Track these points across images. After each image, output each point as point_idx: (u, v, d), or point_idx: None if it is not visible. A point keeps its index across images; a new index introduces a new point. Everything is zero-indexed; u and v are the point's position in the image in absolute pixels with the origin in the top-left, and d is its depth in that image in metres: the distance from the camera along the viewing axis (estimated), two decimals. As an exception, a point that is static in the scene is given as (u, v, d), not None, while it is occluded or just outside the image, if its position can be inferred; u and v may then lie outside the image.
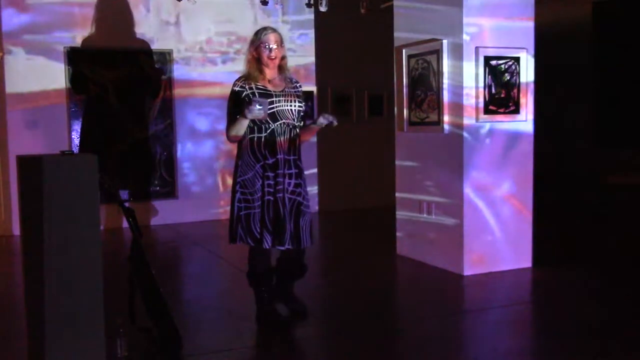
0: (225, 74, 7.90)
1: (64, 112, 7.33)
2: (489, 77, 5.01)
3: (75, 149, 7.30)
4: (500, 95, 5.07)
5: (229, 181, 8.12)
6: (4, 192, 7.25)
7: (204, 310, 4.35)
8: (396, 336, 3.88)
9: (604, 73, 8.86)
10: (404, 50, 5.58)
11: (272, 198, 3.74)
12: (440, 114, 5.16)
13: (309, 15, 8.36)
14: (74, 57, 7.30)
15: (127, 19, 7.59)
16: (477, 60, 4.96)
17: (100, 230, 2.92)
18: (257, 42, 3.79)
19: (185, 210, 7.93)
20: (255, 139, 3.75)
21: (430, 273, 5.22)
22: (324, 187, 8.58)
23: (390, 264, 5.65)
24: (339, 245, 6.71)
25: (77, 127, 7.39)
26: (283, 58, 3.87)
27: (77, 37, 7.35)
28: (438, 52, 5.13)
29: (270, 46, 3.75)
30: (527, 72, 5.15)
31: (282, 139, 3.76)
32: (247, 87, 3.78)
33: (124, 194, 7.57)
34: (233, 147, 7.83)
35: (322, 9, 6.76)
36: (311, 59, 8.46)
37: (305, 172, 3.98)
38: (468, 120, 4.99)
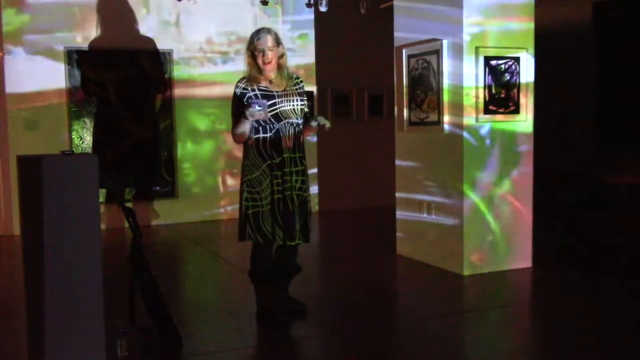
0: (225, 74, 7.91)
1: (64, 112, 7.33)
2: (489, 77, 5.01)
3: (77, 149, 7.31)
4: (500, 95, 5.07)
5: (229, 181, 8.14)
6: (4, 192, 7.25)
7: (204, 310, 4.35)
8: (396, 336, 3.88)
9: (604, 73, 8.86)
10: (404, 50, 5.59)
11: (281, 196, 3.79)
12: (440, 114, 5.16)
13: (309, 15, 8.36)
14: (81, 60, 7.31)
15: (127, 19, 7.60)
16: (477, 60, 4.96)
17: (100, 230, 2.92)
18: (251, 47, 3.82)
19: (185, 210, 7.93)
20: (261, 139, 3.79)
21: (430, 273, 5.22)
22: (324, 187, 8.58)
23: (390, 264, 5.65)
24: (339, 245, 6.71)
25: (77, 127, 7.40)
26: (282, 56, 3.88)
27: (77, 37, 7.36)
28: (438, 52, 5.13)
29: (265, 51, 3.77)
30: (527, 72, 5.15)
31: (287, 138, 3.81)
32: (249, 88, 3.82)
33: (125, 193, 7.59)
34: (233, 147, 7.93)
35: (322, 9, 6.76)
36: (311, 59, 8.47)
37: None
38: (468, 120, 4.99)
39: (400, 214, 5.83)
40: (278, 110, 3.78)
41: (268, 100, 3.74)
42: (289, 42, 8.07)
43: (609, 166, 8.78)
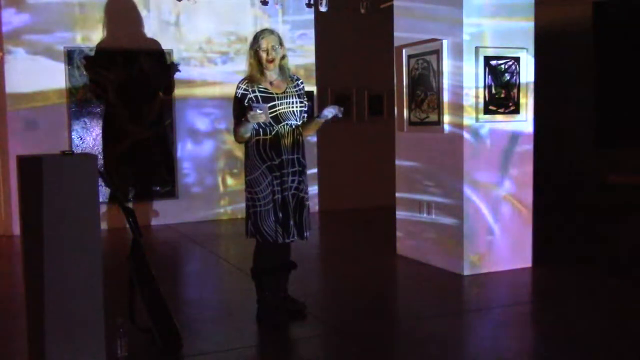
0: (225, 74, 7.91)
1: (64, 112, 7.33)
2: (489, 77, 5.01)
3: (76, 149, 7.31)
4: (500, 95, 5.07)
5: (229, 181, 8.14)
6: (4, 192, 7.25)
7: (204, 310, 4.35)
8: (396, 336, 3.88)
9: (604, 73, 8.85)
10: (404, 50, 5.59)
11: (280, 196, 3.83)
12: (440, 114, 5.16)
13: (309, 15, 8.36)
14: (86, 61, 7.33)
15: (127, 19, 7.60)
16: (477, 60, 4.96)
17: (100, 230, 2.92)
18: (255, 46, 3.87)
19: (185, 210, 7.93)
20: (261, 140, 3.84)
21: (430, 273, 5.22)
22: (324, 187, 8.58)
23: (390, 264, 5.65)
24: (339, 246, 6.71)
25: (77, 127, 7.40)
26: (283, 58, 3.93)
27: (77, 37, 7.36)
28: (438, 52, 5.13)
29: (268, 49, 3.83)
30: (527, 72, 5.15)
31: (286, 140, 3.85)
32: (250, 89, 3.85)
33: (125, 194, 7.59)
34: (233, 147, 7.93)
35: (322, 9, 6.75)
36: (311, 59, 8.47)
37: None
38: (468, 120, 4.99)
39: (400, 214, 5.83)
40: (277, 112, 3.82)
41: (268, 103, 3.78)
42: (289, 42, 8.07)
43: (609, 166, 8.78)
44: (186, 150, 7.98)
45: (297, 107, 3.89)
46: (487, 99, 5.01)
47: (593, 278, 5.05)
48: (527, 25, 5.16)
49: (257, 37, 3.87)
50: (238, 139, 3.92)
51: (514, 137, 5.16)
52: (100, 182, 3.79)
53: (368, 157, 8.82)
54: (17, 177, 3.03)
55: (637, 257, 5.73)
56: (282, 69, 3.93)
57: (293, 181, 3.88)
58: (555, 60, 8.49)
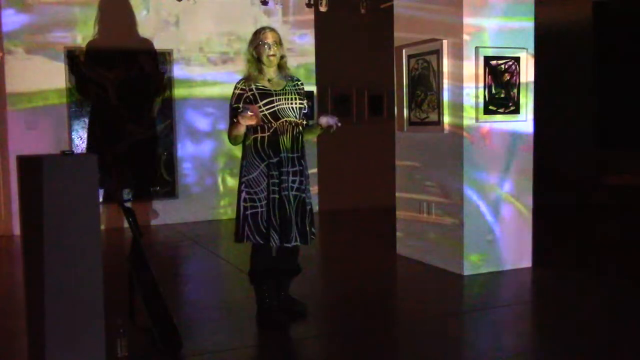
0: (225, 74, 7.91)
1: (64, 112, 7.33)
2: (489, 77, 5.01)
3: (77, 150, 7.30)
4: (500, 95, 5.07)
5: (229, 181, 8.14)
6: (4, 192, 7.25)
7: (204, 310, 4.35)
8: (396, 336, 3.88)
9: (604, 73, 8.86)
10: (404, 50, 5.58)
11: (277, 196, 3.76)
12: (440, 114, 5.16)
13: (309, 15, 8.36)
14: (76, 60, 7.31)
15: (127, 19, 7.60)
16: (477, 60, 4.96)
17: (100, 230, 2.92)
18: (255, 41, 3.83)
19: (185, 210, 7.93)
20: (259, 138, 3.78)
21: (430, 273, 5.22)
22: (324, 187, 8.57)
23: (390, 264, 5.65)
24: (339, 245, 6.71)
25: (77, 127, 7.40)
26: (282, 57, 3.89)
27: (77, 37, 7.36)
28: (438, 52, 5.13)
29: (269, 44, 3.78)
30: (527, 72, 5.15)
31: (285, 137, 3.78)
32: (247, 89, 3.81)
33: (124, 194, 7.58)
34: (233, 147, 7.89)
35: (322, 9, 6.76)
36: (311, 59, 8.46)
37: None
38: (468, 120, 4.99)
39: (400, 214, 5.83)
40: (276, 109, 3.76)
41: (266, 98, 3.74)
42: (289, 42, 8.07)
43: (609, 166, 8.78)
44: (186, 150, 7.98)
45: (296, 104, 3.83)
46: (487, 99, 5.01)
47: (593, 278, 5.05)
48: (527, 25, 5.16)
49: (258, 33, 3.83)
50: (232, 140, 3.86)
51: (514, 137, 5.16)
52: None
53: (368, 157, 8.82)
54: (17, 177, 3.03)
55: (637, 257, 5.73)
56: (281, 69, 3.90)
57: (294, 181, 3.80)
58: (555, 60, 8.50)
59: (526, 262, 5.26)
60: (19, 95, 7.15)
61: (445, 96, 5.11)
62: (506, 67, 5.07)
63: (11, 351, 3.61)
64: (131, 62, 7.58)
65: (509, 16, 5.08)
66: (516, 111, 5.14)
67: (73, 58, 7.31)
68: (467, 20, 4.93)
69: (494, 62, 5.02)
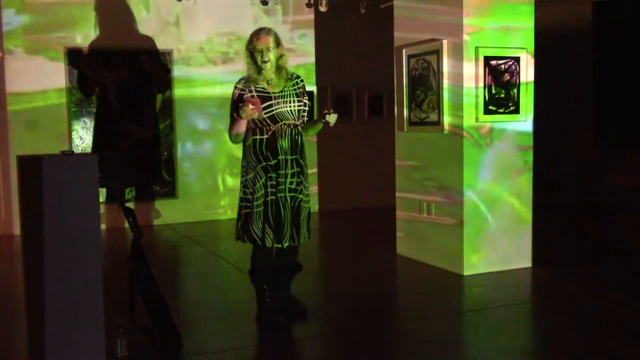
0: (225, 74, 7.91)
1: (64, 112, 7.33)
2: (489, 77, 5.01)
3: (77, 149, 7.31)
4: (500, 95, 5.07)
5: (229, 181, 8.14)
6: (4, 192, 7.25)
7: (204, 310, 4.35)
8: (396, 336, 3.88)
9: (604, 73, 8.85)
10: (404, 50, 5.58)
11: (274, 198, 3.78)
12: (440, 114, 5.16)
13: (309, 15, 8.36)
14: (77, 59, 7.32)
15: (127, 19, 7.60)
16: (477, 60, 4.96)
17: (100, 230, 2.92)
18: (250, 46, 3.83)
19: (185, 210, 7.93)
20: (258, 140, 3.80)
21: (430, 273, 5.22)
22: (324, 187, 8.57)
23: (390, 264, 5.65)
24: (339, 245, 6.71)
25: (77, 127, 7.40)
26: (281, 57, 3.88)
27: (77, 37, 7.36)
28: (438, 52, 5.13)
29: (262, 50, 3.78)
30: (527, 72, 5.15)
31: (283, 140, 3.80)
32: (246, 89, 3.83)
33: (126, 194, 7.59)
34: (233, 147, 7.90)
35: (322, 9, 6.76)
36: (311, 59, 8.46)
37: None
38: (468, 120, 4.99)
39: (400, 214, 5.83)
40: (274, 112, 3.78)
41: (265, 102, 3.74)
42: (289, 42, 8.07)
43: (609, 166, 8.78)
44: (186, 150, 7.97)
45: (295, 106, 3.84)
46: (487, 99, 5.01)
47: (593, 278, 5.05)
48: (527, 25, 5.16)
49: (252, 38, 3.83)
50: (232, 138, 3.88)
51: (514, 137, 5.16)
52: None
53: (368, 157, 8.82)
54: (17, 177, 3.03)
55: (637, 257, 5.72)
56: (280, 69, 3.89)
57: (291, 183, 3.82)
58: (555, 60, 8.50)
59: (526, 262, 5.25)
60: (19, 95, 7.15)
61: (445, 96, 5.10)
62: (506, 67, 5.07)
63: (11, 351, 3.61)
64: (132, 61, 7.57)
65: (509, 16, 5.08)
66: (516, 111, 5.14)
67: (76, 57, 7.31)
68: (467, 20, 4.93)
69: (494, 62, 5.02)
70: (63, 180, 2.76)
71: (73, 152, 3.03)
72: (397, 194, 5.87)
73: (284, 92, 3.85)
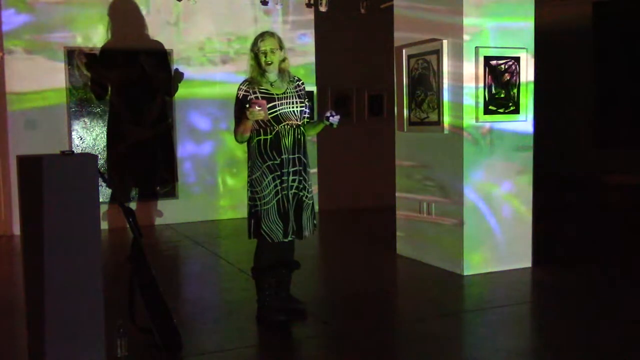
0: (225, 74, 7.91)
1: (64, 112, 7.33)
2: (489, 77, 5.01)
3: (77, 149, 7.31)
4: (500, 95, 5.07)
5: (229, 181, 8.14)
6: (4, 192, 7.25)
7: (204, 310, 4.35)
8: (396, 336, 3.88)
9: (604, 73, 8.86)
10: (404, 50, 5.58)
11: (280, 196, 3.88)
12: (440, 114, 5.16)
13: (309, 15, 8.36)
14: (91, 61, 7.34)
15: (127, 19, 7.60)
16: (477, 60, 4.96)
17: (100, 230, 2.92)
18: (254, 49, 3.93)
19: (185, 210, 7.93)
20: (262, 140, 3.89)
21: (430, 273, 5.22)
22: (324, 187, 8.57)
23: (390, 264, 5.65)
24: (339, 245, 6.71)
25: (77, 127, 7.40)
26: (283, 60, 3.98)
27: (77, 37, 7.36)
28: (438, 52, 5.13)
29: (266, 52, 3.88)
30: (527, 72, 5.15)
31: (286, 140, 3.89)
32: (250, 91, 3.91)
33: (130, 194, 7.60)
34: (233, 147, 7.91)
35: (322, 9, 6.76)
36: (311, 59, 8.46)
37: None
38: (468, 120, 4.99)
39: (400, 214, 5.83)
40: (278, 113, 3.86)
41: (268, 103, 3.83)
42: (289, 42, 8.07)
43: (609, 166, 8.79)
44: (186, 150, 7.97)
45: (297, 107, 3.93)
46: (487, 99, 5.01)
47: (593, 278, 5.05)
48: (527, 25, 5.16)
49: (257, 40, 3.94)
50: (238, 138, 3.97)
51: (514, 137, 5.16)
52: (101, 182, 3.78)
53: (368, 157, 8.82)
54: (17, 177, 3.03)
55: (637, 257, 5.73)
56: (282, 72, 3.98)
57: (294, 180, 3.91)
58: (555, 60, 8.50)
59: (526, 262, 5.26)
60: (19, 95, 7.15)
61: (445, 96, 5.11)
62: (506, 67, 5.07)
63: (11, 351, 3.62)
64: (132, 62, 7.58)
65: (509, 16, 5.08)
66: (516, 111, 5.14)
67: (89, 59, 7.32)
68: (467, 20, 4.93)
69: (494, 62, 5.02)
70: (63, 180, 2.76)
71: (73, 152, 3.03)
72: (397, 194, 5.87)
73: (287, 93, 3.94)
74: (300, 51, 8.34)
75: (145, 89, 7.67)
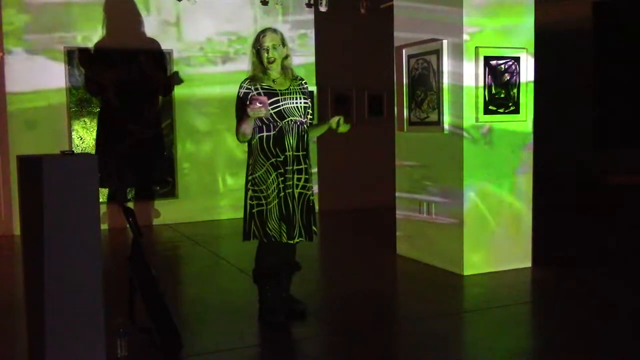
0: (225, 74, 7.91)
1: (64, 112, 7.33)
2: (489, 77, 5.01)
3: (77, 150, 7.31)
4: (500, 95, 5.07)
5: (229, 181, 8.14)
6: (4, 192, 7.25)
7: (204, 310, 4.35)
8: (396, 336, 3.88)
9: (604, 73, 8.87)
10: (404, 50, 5.58)
11: (282, 194, 3.80)
12: (440, 114, 5.16)
13: (309, 15, 8.36)
14: (83, 59, 7.33)
15: (127, 19, 7.60)
16: (477, 60, 4.96)
17: (100, 230, 2.92)
18: (257, 45, 3.87)
19: (185, 210, 7.93)
20: (265, 137, 3.81)
21: (430, 273, 5.22)
22: (324, 187, 8.57)
23: (390, 264, 5.65)
24: (339, 245, 6.71)
25: (77, 127, 7.40)
26: (286, 57, 3.94)
27: (78, 37, 7.36)
28: (438, 52, 5.13)
29: (269, 48, 3.82)
30: (527, 72, 5.15)
31: (290, 136, 3.82)
32: (252, 88, 3.84)
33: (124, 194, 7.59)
34: (233, 147, 7.91)
35: (322, 9, 6.76)
36: (311, 59, 8.46)
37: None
38: (468, 120, 4.99)
39: (400, 214, 5.83)
40: (281, 108, 3.80)
41: (271, 98, 3.77)
42: (289, 42, 8.05)
43: (608, 166, 8.79)
44: (186, 150, 7.97)
45: (301, 103, 3.87)
46: (487, 99, 5.01)
47: (593, 278, 5.05)
48: (527, 25, 5.16)
49: (259, 36, 3.88)
50: (240, 138, 3.88)
51: (514, 137, 5.16)
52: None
53: (368, 157, 8.81)
54: (17, 177, 3.03)
55: (636, 257, 5.73)
56: (285, 69, 3.93)
57: (299, 179, 3.84)
58: (555, 60, 8.50)
59: (526, 262, 5.26)
60: (19, 95, 7.15)
61: (445, 96, 5.11)
62: (506, 67, 5.07)
63: (11, 351, 3.61)
64: (131, 62, 7.58)
65: (509, 16, 5.08)
66: (516, 111, 5.14)
67: (81, 57, 7.31)
68: (467, 20, 4.93)
69: (494, 62, 5.02)
70: (63, 180, 2.76)
71: (73, 152, 3.03)
72: (397, 194, 5.87)
73: (290, 89, 3.88)
74: (300, 51, 8.33)
75: (143, 88, 7.66)
